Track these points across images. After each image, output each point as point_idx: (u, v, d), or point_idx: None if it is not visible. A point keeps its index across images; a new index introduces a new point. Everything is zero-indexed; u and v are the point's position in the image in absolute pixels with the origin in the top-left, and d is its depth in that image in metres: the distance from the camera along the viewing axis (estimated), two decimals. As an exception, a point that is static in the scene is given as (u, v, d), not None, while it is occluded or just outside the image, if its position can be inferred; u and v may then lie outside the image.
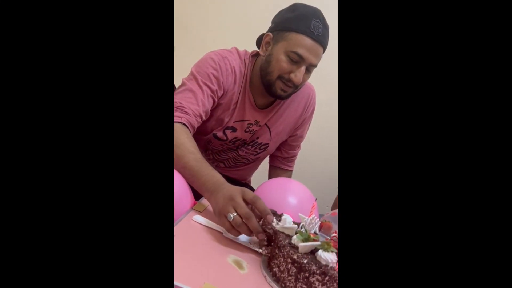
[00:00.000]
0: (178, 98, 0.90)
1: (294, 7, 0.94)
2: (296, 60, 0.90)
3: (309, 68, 0.93)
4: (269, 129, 1.08)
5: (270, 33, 0.95)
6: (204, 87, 0.93)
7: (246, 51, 1.04)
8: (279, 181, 1.02)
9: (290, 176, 1.21)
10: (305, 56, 0.89)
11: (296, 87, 0.95)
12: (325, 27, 0.92)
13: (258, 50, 1.02)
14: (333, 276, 0.49)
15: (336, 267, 0.49)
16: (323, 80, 1.62)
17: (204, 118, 0.94)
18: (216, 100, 0.97)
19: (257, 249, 0.62)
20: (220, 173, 1.13)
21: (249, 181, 1.32)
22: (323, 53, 0.94)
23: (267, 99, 1.04)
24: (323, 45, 0.92)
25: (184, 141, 0.80)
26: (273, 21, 0.98)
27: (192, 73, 0.95)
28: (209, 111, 0.96)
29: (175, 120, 0.85)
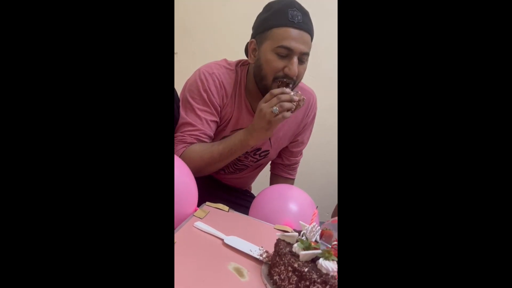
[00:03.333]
0: (179, 133, 0.95)
1: (268, 7, 0.94)
2: (285, 53, 0.88)
3: (302, 58, 0.90)
4: None
5: (253, 39, 0.95)
6: (202, 115, 0.95)
7: (238, 61, 1.04)
8: (280, 188, 1.02)
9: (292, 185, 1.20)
10: (292, 46, 0.87)
11: (294, 82, 0.93)
12: (304, 14, 0.90)
13: (245, 60, 1.03)
14: (334, 285, 0.48)
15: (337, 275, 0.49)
16: (325, 86, 1.63)
17: (208, 140, 0.97)
18: (218, 120, 0.99)
19: (257, 257, 0.62)
20: (220, 181, 1.15)
21: (250, 188, 1.31)
22: (311, 40, 0.92)
23: None
24: (308, 31, 0.90)
25: (201, 148, 0.93)
26: (253, 28, 0.98)
27: (187, 101, 0.97)
28: (212, 135, 0.99)
29: (181, 152, 0.93)
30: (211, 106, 0.96)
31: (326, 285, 0.49)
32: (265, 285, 0.55)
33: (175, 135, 0.96)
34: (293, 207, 0.90)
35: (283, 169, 1.19)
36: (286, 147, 1.15)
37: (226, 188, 1.16)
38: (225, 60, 1.03)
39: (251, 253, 0.63)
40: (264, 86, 0.94)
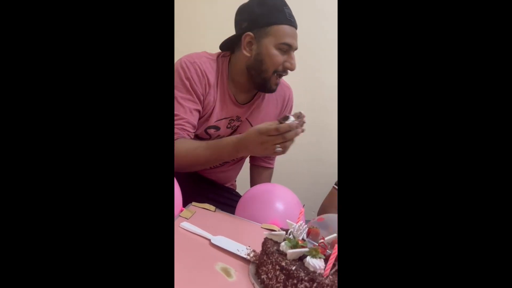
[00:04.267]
0: None
1: (261, 1, 0.97)
2: (286, 49, 0.97)
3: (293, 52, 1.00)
4: (250, 123, 1.09)
5: (250, 33, 0.97)
6: (185, 103, 0.96)
7: (218, 53, 1.06)
8: (266, 187, 1.03)
9: (271, 174, 1.23)
10: (292, 43, 0.97)
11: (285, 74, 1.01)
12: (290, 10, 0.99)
13: (225, 52, 1.05)
14: (321, 282, 0.49)
15: (324, 273, 0.50)
16: (314, 87, 1.64)
17: (191, 130, 0.97)
18: (201, 109, 0.99)
19: (245, 256, 0.62)
20: (204, 176, 1.14)
21: (234, 186, 1.31)
22: None
23: (248, 95, 1.06)
24: (297, 27, 1.00)
25: (186, 147, 0.91)
26: (242, 20, 0.99)
27: None
28: (196, 124, 0.99)
29: None
30: (193, 94, 0.97)
31: (313, 283, 0.49)
32: (253, 284, 0.55)
33: None
34: (279, 206, 0.91)
35: (262, 159, 1.21)
36: None
37: (211, 186, 1.16)
38: (206, 52, 1.06)
39: (238, 253, 0.63)
40: (264, 79, 0.99)
